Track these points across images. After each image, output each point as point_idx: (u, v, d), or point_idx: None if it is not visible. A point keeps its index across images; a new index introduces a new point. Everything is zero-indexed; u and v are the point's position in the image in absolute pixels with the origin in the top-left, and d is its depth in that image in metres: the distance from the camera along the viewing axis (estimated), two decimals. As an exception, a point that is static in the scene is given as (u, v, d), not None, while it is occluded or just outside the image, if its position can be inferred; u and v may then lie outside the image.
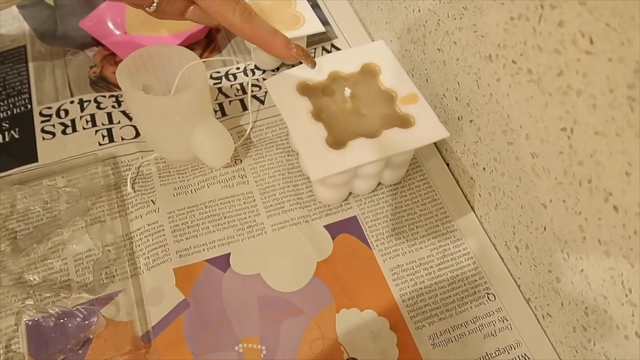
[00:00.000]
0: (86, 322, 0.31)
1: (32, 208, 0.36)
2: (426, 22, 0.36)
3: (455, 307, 0.33)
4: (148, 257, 0.34)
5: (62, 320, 0.32)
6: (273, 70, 0.45)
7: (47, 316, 0.31)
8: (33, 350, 0.31)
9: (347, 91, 0.35)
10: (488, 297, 0.34)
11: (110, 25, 0.44)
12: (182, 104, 0.32)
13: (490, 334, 0.32)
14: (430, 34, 0.36)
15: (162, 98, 0.32)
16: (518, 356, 0.32)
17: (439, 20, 0.35)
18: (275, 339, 0.32)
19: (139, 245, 0.35)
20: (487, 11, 0.29)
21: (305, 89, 0.35)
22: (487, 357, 0.32)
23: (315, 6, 0.50)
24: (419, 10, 0.37)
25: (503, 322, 0.33)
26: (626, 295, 0.24)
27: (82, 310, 0.32)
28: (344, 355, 0.31)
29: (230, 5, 0.32)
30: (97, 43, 0.44)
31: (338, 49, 0.47)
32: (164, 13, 0.34)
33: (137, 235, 0.35)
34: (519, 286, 0.34)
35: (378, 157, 0.32)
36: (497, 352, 0.32)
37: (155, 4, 0.32)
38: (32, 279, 0.33)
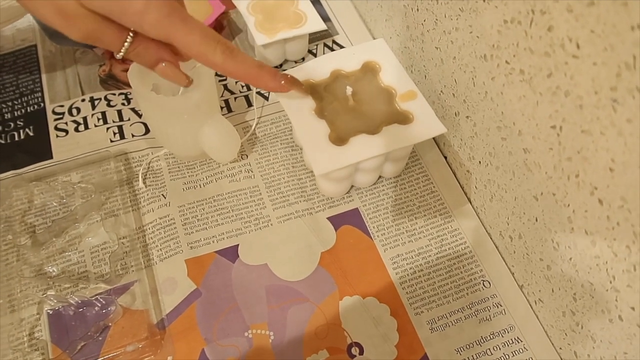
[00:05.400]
0: (104, 310, 0.33)
1: (48, 203, 0.37)
2: (424, 20, 0.38)
3: (452, 293, 0.35)
4: (160, 249, 0.36)
5: (81, 309, 0.33)
6: (277, 67, 0.46)
7: (67, 305, 0.33)
8: (55, 338, 0.33)
9: (349, 89, 0.37)
10: (483, 284, 0.36)
11: (118, 25, 0.45)
12: (191, 103, 0.34)
13: (485, 319, 0.34)
14: (429, 32, 0.38)
15: (172, 98, 0.34)
16: (511, 339, 0.34)
17: (436, 19, 0.36)
18: (283, 325, 0.34)
19: (151, 238, 0.36)
20: (482, 13, 0.30)
21: (309, 88, 0.36)
22: (482, 340, 0.33)
23: (316, 2, 0.51)
24: (418, 10, 0.38)
25: (497, 307, 0.35)
26: (610, 282, 0.26)
27: (101, 299, 0.33)
28: (347, 339, 0.33)
29: (210, 44, 0.30)
30: (106, 42, 0.46)
31: (339, 45, 0.48)
32: (132, 61, 0.33)
33: (149, 228, 0.37)
34: (512, 274, 0.36)
35: (378, 152, 0.33)
36: (491, 336, 0.34)
37: (122, 53, 0.29)
38: (51, 270, 0.35)
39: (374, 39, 0.49)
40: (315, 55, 0.47)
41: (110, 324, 0.33)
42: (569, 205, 0.28)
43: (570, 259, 0.29)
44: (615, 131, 0.23)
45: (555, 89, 0.26)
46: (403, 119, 0.35)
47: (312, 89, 0.37)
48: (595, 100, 0.23)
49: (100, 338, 0.33)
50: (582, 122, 0.25)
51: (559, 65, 0.25)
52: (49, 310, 0.33)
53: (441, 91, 0.39)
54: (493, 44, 0.30)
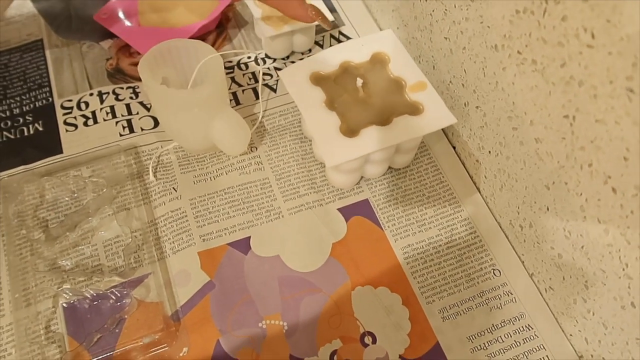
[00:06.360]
0: (119, 303, 0.34)
1: (60, 198, 0.38)
2: (433, 11, 0.38)
3: (463, 282, 0.35)
4: (173, 242, 0.36)
5: (96, 302, 0.34)
6: (283, 59, 0.46)
7: (82, 299, 0.34)
8: (71, 330, 0.33)
9: (359, 81, 0.37)
10: (494, 272, 0.36)
11: (124, 18, 0.45)
12: (201, 96, 0.34)
13: (496, 307, 0.35)
14: (437, 22, 0.38)
15: (182, 91, 0.34)
16: (522, 327, 0.34)
17: (445, 10, 0.36)
18: (296, 315, 0.34)
19: (164, 231, 0.37)
20: (493, 3, 0.30)
21: (318, 79, 0.37)
22: (493, 328, 0.34)
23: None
24: (426, 0, 0.38)
25: (508, 295, 0.35)
26: (623, 270, 0.26)
27: (115, 292, 0.34)
28: (360, 329, 0.34)
29: None
30: (112, 35, 0.46)
31: (345, 36, 0.48)
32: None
33: (161, 221, 0.37)
34: (523, 262, 0.36)
35: (389, 144, 0.34)
36: (502, 324, 0.34)
37: None
38: (65, 264, 0.35)
39: (380, 29, 0.49)
40: (321, 46, 0.47)
41: (125, 317, 0.33)
42: (581, 194, 0.28)
43: (582, 247, 0.29)
44: (630, 120, 0.23)
45: (568, 78, 0.26)
46: (413, 109, 0.35)
47: (322, 81, 0.37)
48: (610, 90, 0.24)
49: (116, 330, 0.33)
50: (596, 112, 0.25)
51: (573, 55, 0.25)
52: (64, 304, 0.34)
53: (450, 81, 0.39)
54: (504, 34, 0.30)
